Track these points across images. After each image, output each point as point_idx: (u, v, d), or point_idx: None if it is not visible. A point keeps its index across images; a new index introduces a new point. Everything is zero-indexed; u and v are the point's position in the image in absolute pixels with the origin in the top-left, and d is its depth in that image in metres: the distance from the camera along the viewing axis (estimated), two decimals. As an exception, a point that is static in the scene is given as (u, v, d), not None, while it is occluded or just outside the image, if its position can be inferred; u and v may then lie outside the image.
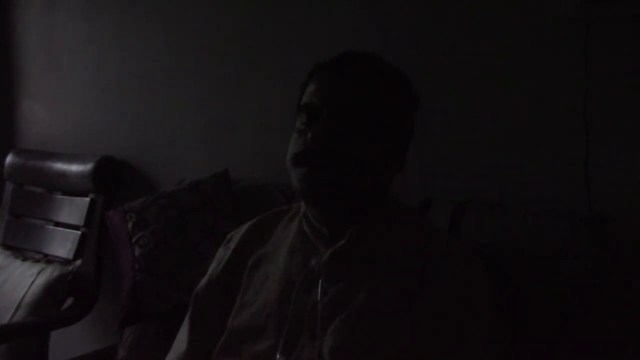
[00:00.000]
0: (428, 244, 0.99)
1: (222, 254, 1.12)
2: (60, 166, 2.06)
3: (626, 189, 1.18)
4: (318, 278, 0.96)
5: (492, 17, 1.33)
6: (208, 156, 1.87)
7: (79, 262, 1.91)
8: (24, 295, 1.84)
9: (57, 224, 2.04)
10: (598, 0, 1.18)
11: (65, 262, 1.94)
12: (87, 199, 1.97)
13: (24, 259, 2.01)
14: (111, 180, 2.00)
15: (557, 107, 1.26)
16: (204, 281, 1.12)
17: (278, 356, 0.94)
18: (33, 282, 1.86)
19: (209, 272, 1.12)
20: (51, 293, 1.83)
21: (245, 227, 1.13)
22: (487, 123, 1.35)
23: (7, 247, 2.13)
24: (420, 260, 0.97)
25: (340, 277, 0.96)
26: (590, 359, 1.03)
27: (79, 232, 1.96)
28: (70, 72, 2.25)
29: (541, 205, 1.22)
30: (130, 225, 1.53)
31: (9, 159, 2.25)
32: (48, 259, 1.99)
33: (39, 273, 1.88)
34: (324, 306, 0.95)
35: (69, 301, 1.89)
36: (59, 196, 2.07)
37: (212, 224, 1.53)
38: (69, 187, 2.04)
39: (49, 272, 1.87)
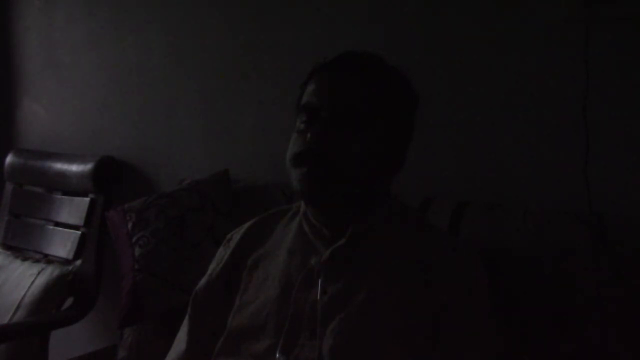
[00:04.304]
0: (428, 244, 1.00)
1: (222, 254, 1.12)
2: (60, 166, 2.06)
3: (626, 189, 1.18)
4: (318, 277, 0.97)
5: (492, 17, 1.33)
6: (208, 156, 1.87)
7: (79, 262, 1.91)
8: (24, 295, 1.84)
9: (57, 224, 2.04)
10: (598, 0, 1.18)
11: (65, 262, 1.94)
12: (87, 199, 1.97)
13: (24, 259, 2.01)
14: (111, 180, 1.99)
15: (557, 107, 1.26)
16: (203, 281, 1.12)
17: (278, 355, 0.94)
18: (33, 282, 1.86)
19: (209, 271, 1.12)
20: (51, 293, 1.83)
21: (245, 227, 1.13)
22: (487, 123, 1.35)
23: (7, 247, 2.13)
24: (420, 259, 0.97)
25: (339, 277, 0.96)
26: (590, 358, 1.03)
27: (79, 232, 1.96)
28: (70, 72, 2.25)
29: (541, 205, 1.22)
30: (130, 225, 1.53)
31: (9, 159, 2.24)
32: (48, 259, 1.99)
33: (39, 273, 1.88)
34: (323, 305, 0.95)
35: (69, 301, 1.89)
36: (59, 196, 2.07)
37: (212, 224, 1.53)
38: (69, 187, 2.04)
39: (49, 272, 1.87)
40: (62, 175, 2.04)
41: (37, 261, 1.98)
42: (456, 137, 1.39)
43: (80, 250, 1.93)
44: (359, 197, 0.99)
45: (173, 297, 1.46)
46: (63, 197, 2.06)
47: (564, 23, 1.23)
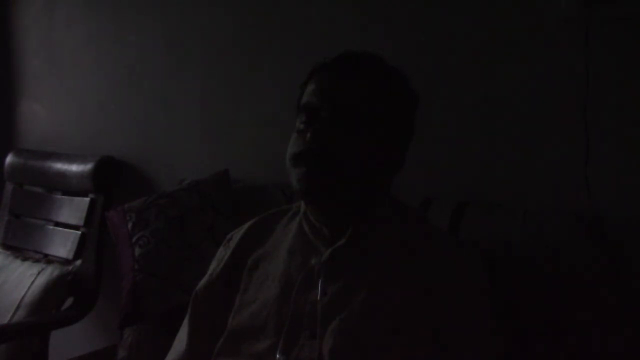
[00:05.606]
0: (428, 244, 1.00)
1: (222, 254, 1.12)
2: (60, 166, 2.06)
3: (626, 189, 1.18)
4: (318, 277, 0.97)
5: (492, 17, 1.33)
6: (208, 156, 1.87)
7: (79, 262, 1.91)
8: (24, 295, 1.84)
9: (57, 224, 2.04)
10: (598, 0, 1.18)
11: (65, 262, 1.94)
12: (87, 199, 1.97)
13: (24, 259, 2.01)
14: (111, 180, 2.00)
15: (557, 107, 1.26)
16: (203, 281, 1.12)
17: (278, 356, 0.94)
18: (33, 282, 1.86)
19: (209, 271, 1.12)
20: (51, 293, 1.83)
21: (245, 227, 1.13)
22: (487, 123, 1.35)
23: (7, 247, 2.13)
24: (420, 259, 0.97)
25: (340, 277, 0.96)
26: (590, 359, 1.02)
27: (79, 232, 1.96)
28: (70, 72, 2.25)
29: (541, 205, 1.22)
30: (130, 225, 1.53)
31: (9, 159, 2.24)
32: (48, 259, 1.99)
33: (39, 273, 1.88)
34: (323, 305, 0.95)
35: (69, 301, 1.89)
36: (59, 196, 2.07)
37: (212, 224, 1.53)
38: (69, 187, 2.04)
39: (49, 272, 1.87)
40: (62, 175, 2.04)
41: (37, 261, 1.98)
42: (456, 137, 1.39)
43: (80, 250, 1.93)
44: (359, 197, 0.99)
45: (173, 297, 1.46)
46: (63, 197, 2.06)
47: (564, 23, 1.23)
